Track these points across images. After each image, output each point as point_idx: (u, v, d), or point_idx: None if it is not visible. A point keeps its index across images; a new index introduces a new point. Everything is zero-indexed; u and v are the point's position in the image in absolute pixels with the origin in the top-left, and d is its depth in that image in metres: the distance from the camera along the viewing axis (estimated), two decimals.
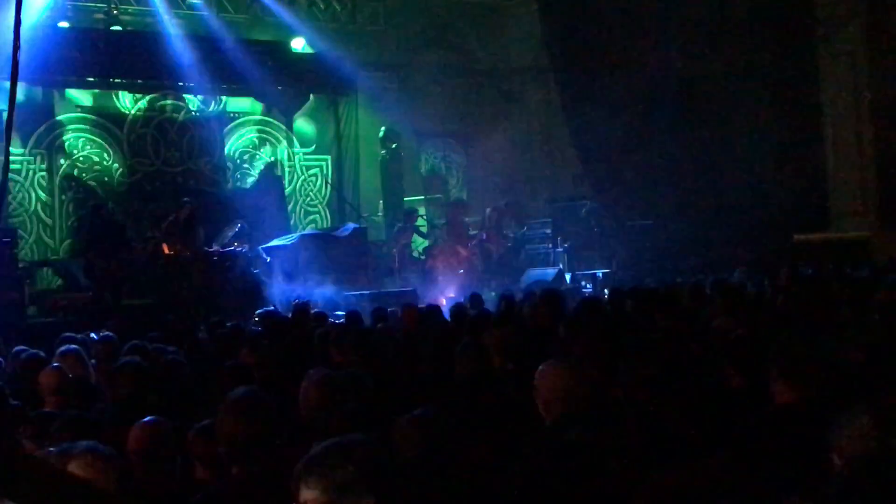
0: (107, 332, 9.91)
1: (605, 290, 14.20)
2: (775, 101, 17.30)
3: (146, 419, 4.94)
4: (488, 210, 19.74)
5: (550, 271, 17.91)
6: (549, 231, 19.32)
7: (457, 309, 11.25)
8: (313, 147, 20.46)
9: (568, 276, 17.93)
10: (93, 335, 10.00)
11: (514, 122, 21.60)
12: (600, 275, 17.65)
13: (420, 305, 13.43)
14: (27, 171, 17.22)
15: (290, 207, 19.95)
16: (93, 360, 8.45)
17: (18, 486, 1.97)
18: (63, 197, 17.46)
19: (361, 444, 3.21)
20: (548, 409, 4.93)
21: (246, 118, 19.75)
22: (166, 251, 16.05)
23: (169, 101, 18.73)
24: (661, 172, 18.12)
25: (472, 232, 19.65)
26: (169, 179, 18.36)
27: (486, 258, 18.98)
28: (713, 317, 8.17)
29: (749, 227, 17.11)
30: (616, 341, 6.82)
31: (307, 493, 3.00)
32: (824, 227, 17.07)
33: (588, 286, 17.30)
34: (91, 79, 17.71)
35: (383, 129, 20.79)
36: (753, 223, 17.11)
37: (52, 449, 4.41)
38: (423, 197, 21.13)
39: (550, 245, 19.06)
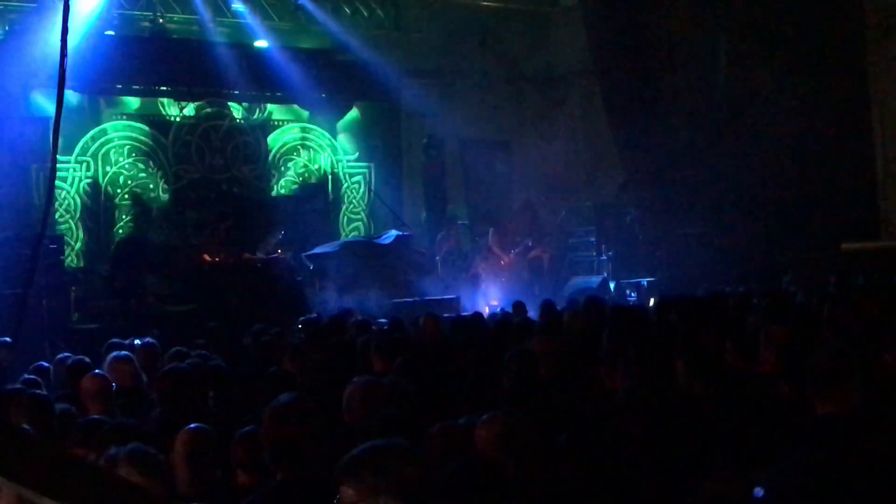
0: (148, 339, 9.94)
1: (651, 299, 14.07)
2: (823, 107, 17.07)
3: (189, 426, 4.93)
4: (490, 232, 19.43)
5: (594, 279, 17.80)
6: (593, 239, 19.20)
7: (501, 317, 11.23)
8: (356, 154, 20.47)
9: (612, 285, 17.80)
10: (137, 342, 10.03)
11: (558, 129, 21.51)
12: (645, 283, 17.50)
13: (463, 313, 13.42)
14: (73, 178, 17.36)
15: (332, 215, 19.97)
16: None
17: (64, 487, 1.95)
18: (108, 204, 17.56)
19: (399, 449, 3.24)
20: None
21: (290, 126, 19.79)
22: (207, 259, 16.14)
23: (214, 109, 18.80)
24: (708, 180, 17.95)
25: (520, 242, 19.50)
26: (213, 187, 18.43)
27: (538, 268, 18.81)
28: (760, 326, 8.07)
29: (797, 236, 16.92)
30: (661, 351, 6.75)
31: (345, 491, 3.12)
32: (874, 236, 16.83)
33: (633, 295, 17.16)
34: (137, 86, 17.85)
35: (427, 136, 20.77)
36: (801, 231, 16.91)
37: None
38: (465, 204, 21.08)
39: (594, 253, 18.95)
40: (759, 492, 4.12)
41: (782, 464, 4.35)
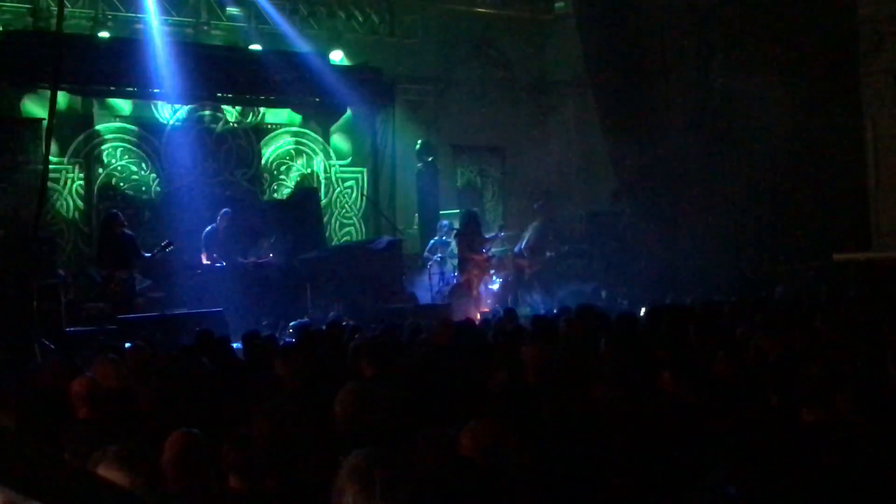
0: (138, 342, 9.92)
1: (642, 308, 14.08)
2: (816, 117, 17.11)
3: (179, 431, 4.91)
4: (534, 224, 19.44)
5: (586, 287, 17.80)
6: (585, 246, 19.20)
7: (494, 324, 11.24)
8: (349, 159, 20.45)
9: (604, 293, 17.80)
10: (127, 345, 10.02)
11: (552, 136, 21.55)
12: (637, 291, 17.49)
13: (455, 319, 13.40)
14: (65, 179, 17.31)
15: (325, 219, 19.93)
16: None
17: (51, 489, 1.95)
18: (100, 206, 17.48)
19: (389, 455, 3.26)
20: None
21: (283, 130, 19.77)
22: (204, 261, 16.12)
23: (207, 112, 18.78)
24: (700, 189, 17.98)
25: (489, 235, 19.44)
26: (206, 190, 18.37)
27: (519, 275, 18.84)
28: (751, 335, 8.09)
29: (789, 246, 16.95)
30: (651, 358, 6.77)
31: (337, 497, 3.14)
32: (865, 246, 16.87)
33: (624, 303, 17.17)
34: (130, 89, 17.81)
35: (420, 141, 20.78)
36: (793, 242, 16.95)
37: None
38: (458, 210, 21.08)
39: (587, 260, 18.94)
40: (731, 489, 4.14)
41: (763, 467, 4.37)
